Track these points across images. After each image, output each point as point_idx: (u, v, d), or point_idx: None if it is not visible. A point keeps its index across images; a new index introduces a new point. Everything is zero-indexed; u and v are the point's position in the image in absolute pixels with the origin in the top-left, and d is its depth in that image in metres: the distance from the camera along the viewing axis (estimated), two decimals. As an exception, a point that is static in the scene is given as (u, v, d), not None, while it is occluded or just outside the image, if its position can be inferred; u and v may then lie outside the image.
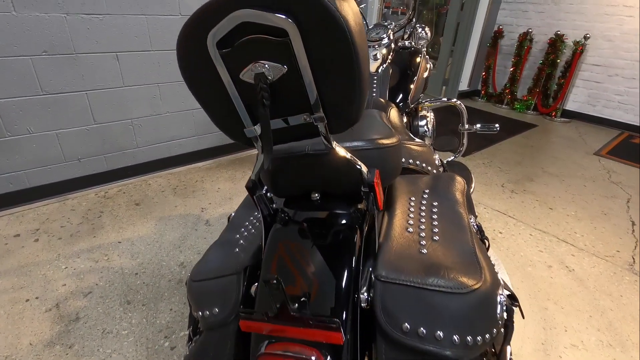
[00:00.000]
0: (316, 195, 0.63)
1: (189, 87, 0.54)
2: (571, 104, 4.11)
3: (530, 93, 4.24)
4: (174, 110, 2.30)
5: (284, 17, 0.40)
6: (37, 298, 1.38)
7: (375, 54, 1.38)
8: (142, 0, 1.94)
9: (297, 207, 0.65)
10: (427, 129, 1.42)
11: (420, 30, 1.63)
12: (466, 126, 1.62)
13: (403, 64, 1.40)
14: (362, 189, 0.57)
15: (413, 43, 1.55)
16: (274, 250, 0.62)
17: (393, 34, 1.45)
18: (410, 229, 0.62)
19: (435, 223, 0.64)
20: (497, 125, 1.56)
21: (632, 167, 2.87)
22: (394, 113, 1.17)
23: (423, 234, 0.61)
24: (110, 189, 2.16)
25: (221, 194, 2.17)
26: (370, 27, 1.48)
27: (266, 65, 0.44)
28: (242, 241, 0.74)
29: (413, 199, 0.72)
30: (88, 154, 2.08)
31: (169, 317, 1.32)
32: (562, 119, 4.09)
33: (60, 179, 2.03)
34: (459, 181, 0.77)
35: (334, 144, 0.53)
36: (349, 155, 0.55)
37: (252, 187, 0.63)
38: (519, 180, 2.55)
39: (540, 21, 4.12)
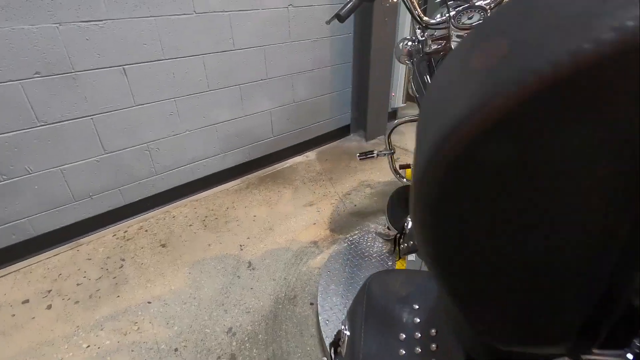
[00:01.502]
0: None
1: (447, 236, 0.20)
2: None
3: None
4: (195, 127, 1.96)
5: None
6: (55, 398, 1.08)
7: None
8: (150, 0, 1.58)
9: None
10: None
11: None
12: None
13: None
14: None
15: None
16: None
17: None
18: None
19: None
20: None
21: None
22: None
23: None
24: (129, 226, 1.84)
25: (259, 223, 1.84)
26: (453, 12, 1.09)
27: None
28: None
29: None
30: (101, 189, 1.75)
31: (227, 419, 1.01)
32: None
33: (70, 222, 1.71)
34: None
35: None
36: None
37: None
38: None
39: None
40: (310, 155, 2.57)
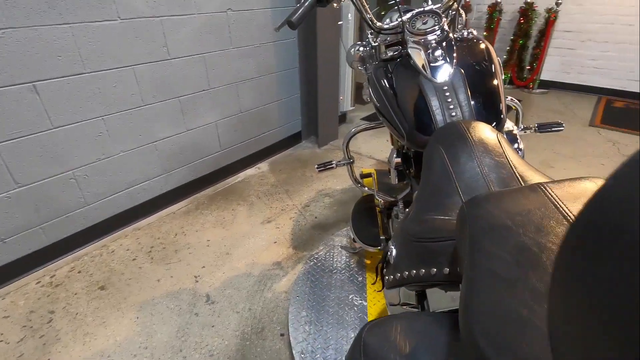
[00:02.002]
0: None
1: None
2: (545, 74, 4.02)
3: (505, 67, 4.09)
4: (130, 147, 1.74)
5: None
6: None
7: (436, 54, 0.97)
8: (61, 4, 1.34)
9: None
10: (520, 150, 1.06)
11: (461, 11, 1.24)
12: (521, 126, 1.29)
13: (472, 63, 1.01)
14: None
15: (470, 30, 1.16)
16: None
17: (447, 21, 1.05)
18: None
19: None
20: (562, 122, 1.27)
21: (633, 135, 2.78)
22: (503, 141, 0.79)
23: None
24: (57, 269, 1.57)
25: (214, 248, 1.68)
26: (409, 16, 1.05)
27: None
28: None
29: None
30: (16, 230, 1.47)
31: None
32: (540, 90, 3.99)
33: (-22, 273, 1.41)
34: None
35: None
36: None
37: None
38: (539, 169, 2.31)
39: (507, -10, 3.94)
40: (263, 166, 2.44)
